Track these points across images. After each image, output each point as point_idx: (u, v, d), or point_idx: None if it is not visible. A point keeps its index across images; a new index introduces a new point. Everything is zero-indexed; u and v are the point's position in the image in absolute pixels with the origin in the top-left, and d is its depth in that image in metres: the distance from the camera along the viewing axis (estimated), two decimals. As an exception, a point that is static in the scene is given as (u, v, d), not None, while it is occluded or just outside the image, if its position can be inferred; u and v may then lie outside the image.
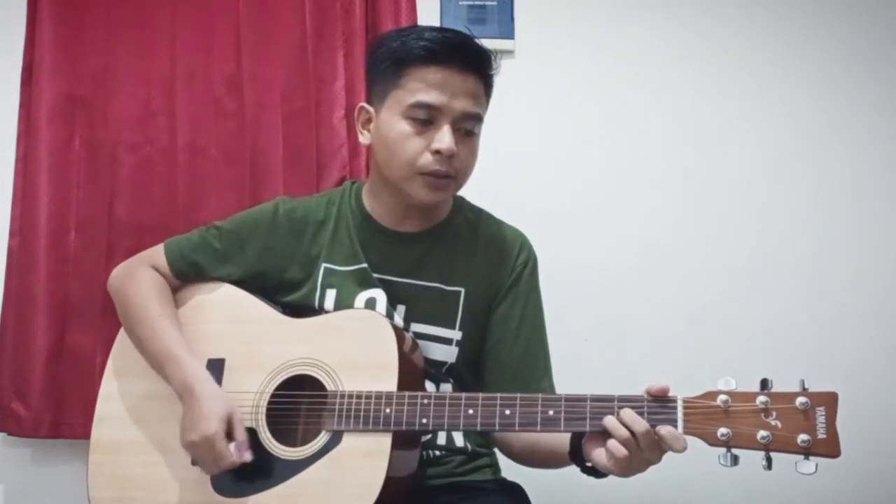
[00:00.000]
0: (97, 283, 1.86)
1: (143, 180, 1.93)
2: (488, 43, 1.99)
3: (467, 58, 1.38)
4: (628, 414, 1.17)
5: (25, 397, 1.88)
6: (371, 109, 1.45)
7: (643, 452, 1.17)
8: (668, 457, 1.22)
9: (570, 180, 2.05)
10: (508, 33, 2.05)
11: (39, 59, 1.93)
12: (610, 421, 1.18)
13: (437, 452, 1.45)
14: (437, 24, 2.02)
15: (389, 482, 1.24)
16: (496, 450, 1.55)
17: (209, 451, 1.28)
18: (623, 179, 2.05)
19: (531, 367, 1.49)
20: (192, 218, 1.87)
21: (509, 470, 1.54)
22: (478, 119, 1.41)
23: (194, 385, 1.33)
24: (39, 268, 1.90)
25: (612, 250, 2.03)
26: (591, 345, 1.98)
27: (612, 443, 1.18)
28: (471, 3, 2.05)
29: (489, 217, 1.56)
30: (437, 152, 1.36)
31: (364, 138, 1.47)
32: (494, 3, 2.05)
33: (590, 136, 2.06)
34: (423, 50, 1.37)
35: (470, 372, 1.50)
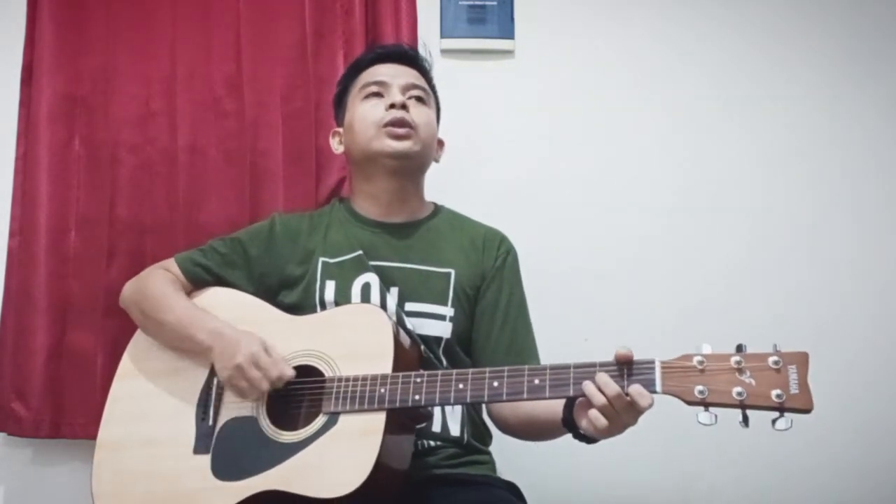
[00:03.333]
0: (97, 283, 1.86)
1: (143, 180, 1.93)
2: (488, 43, 2.04)
3: (404, 57, 1.68)
4: (602, 378, 1.23)
5: (25, 397, 1.87)
6: (340, 129, 1.69)
7: (619, 416, 1.22)
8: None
9: (571, 180, 2.04)
10: (508, 33, 2.06)
11: (39, 59, 1.93)
12: (588, 386, 1.23)
13: (433, 443, 1.48)
14: (437, 23, 2.04)
15: (382, 461, 1.26)
16: (492, 447, 1.57)
17: (255, 368, 1.36)
18: (624, 178, 2.05)
19: (521, 347, 1.57)
20: (192, 218, 1.88)
21: (507, 470, 1.54)
22: (424, 90, 1.64)
23: (222, 328, 1.43)
24: (39, 268, 1.90)
25: (613, 249, 2.03)
26: (591, 345, 1.98)
27: (592, 412, 1.23)
28: (471, 3, 2.05)
29: (468, 219, 1.68)
30: (391, 106, 1.57)
31: (338, 149, 1.69)
32: (494, 3, 2.05)
33: (590, 136, 2.06)
34: (369, 56, 1.69)
35: (464, 350, 1.56)
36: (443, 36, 2.03)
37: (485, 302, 1.58)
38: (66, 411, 1.88)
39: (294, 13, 1.95)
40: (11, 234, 1.93)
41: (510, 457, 1.54)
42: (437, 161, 1.67)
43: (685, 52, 2.08)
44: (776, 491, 1.93)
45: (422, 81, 1.65)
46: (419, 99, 1.62)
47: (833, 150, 2.07)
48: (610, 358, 1.94)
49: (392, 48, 1.72)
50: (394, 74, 1.62)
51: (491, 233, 1.65)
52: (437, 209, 1.68)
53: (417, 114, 1.59)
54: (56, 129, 1.93)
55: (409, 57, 1.68)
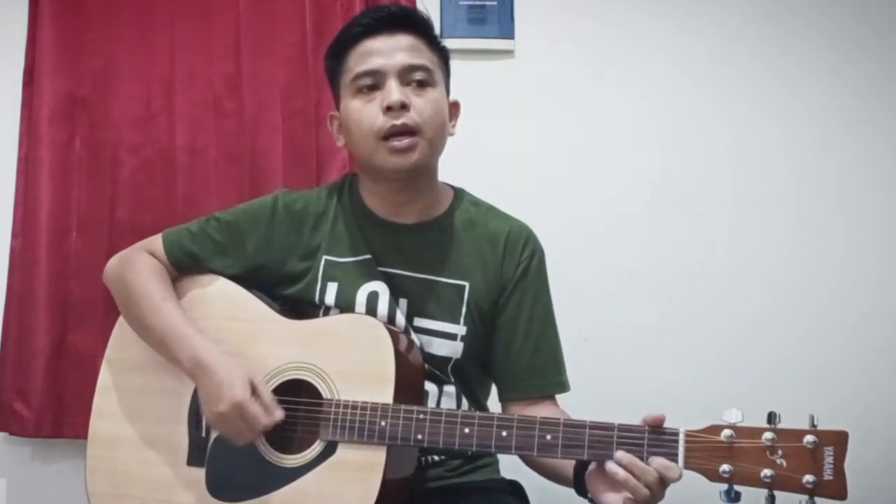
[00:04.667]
0: (98, 283, 1.83)
1: (143, 180, 1.94)
2: (488, 43, 2.04)
3: (392, 22, 1.39)
4: (624, 458, 1.14)
5: (27, 397, 1.89)
6: (338, 113, 1.46)
7: (651, 496, 1.13)
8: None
9: (570, 180, 2.05)
10: (508, 33, 2.05)
11: (40, 61, 1.94)
12: (610, 465, 1.15)
13: (437, 458, 1.43)
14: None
15: (383, 495, 1.23)
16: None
17: (241, 419, 1.26)
18: (623, 179, 2.05)
19: (544, 363, 1.45)
20: (193, 218, 1.87)
21: (507, 469, 1.54)
22: (425, 69, 1.38)
23: (205, 359, 1.30)
24: (41, 268, 1.91)
25: (613, 249, 2.03)
26: (591, 345, 1.98)
27: (613, 498, 1.16)
28: (471, 3, 2.05)
29: (491, 209, 1.52)
30: (388, 109, 1.34)
31: (339, 141, 1.48)
32: (494, 3, 2.05)
33: (590, 136, 2.06)
34: (351, 32, 1.40)
35: (475, 369, 1.47)
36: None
37: (506, 314, 1.44)
38: (67, 411, 1.89)
39: (294, 13, 1.96)
40: (13, 235, 1.94)
41: (514, 456, 1.53)
42: (452, 135, 1.46)
43: (687, 51, 2.08)
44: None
45: (422, 53, 1.39)
46: (422, 83, 1.38)
47: (860, 164, 2.06)
48: (609, 359, 1.98)
49: (380, 13, 1.40)
50: (388, 53, 1.36)
51: (515, 231, 1.46)
52: (456, 201, 1.49)
53: (422, 106, 1.36)
54: (57, 130, 1.94)
55: (404, 21, 1.40)
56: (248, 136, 1.93)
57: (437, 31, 1.46)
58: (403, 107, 1.34)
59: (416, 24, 1.41)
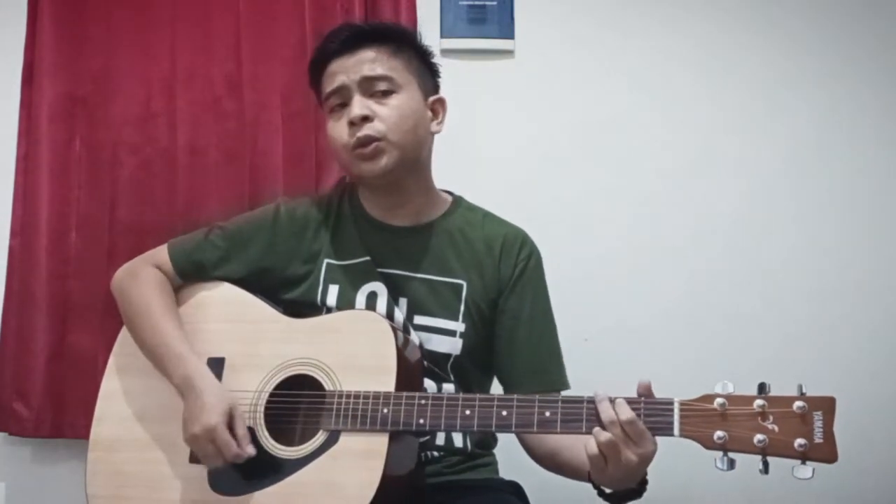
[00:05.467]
0: (98, 283, 1.86)
1: (143, 180, 1.94)
2: (488, 43, 2.04)
3: (354, 39, 1.47)
4: (620, 403, 1.18)
5: (27, 397, 1.89)
6: None
7: (630, 443, 1.17)
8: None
9: (570, 180, 2.05)
10: (508, 33, 2.06)
11: (40, 60, 1.94)
12: (602, 404, 1.20)
13: (436, 453, 1.45)
14: (437, 23, 2.03)
15: (386, 482, 1.24)
16: (496, 447, 1.56)
17: (211, 444, 1.29)
18: (623, 179, 2.05)
19: (548, 362, 1.49)
20: (193, 218, 1.87)
21: (507, 470, 1.54)
22: (385, 79, 1.45)
23: (195, 380, 1.34)
24: (40, 268, 1.91)
25: (613, 250, 2.03)
26: (591, 345, 1.98)
27: (596, 430, 1.18)
28: (471, 3, 2.05)
29: (488, 215, 1.56)
30: (351, 124, 1.43)
31: None
32: (494, 3, 2.05)
33: (589, 136, 2.06)
34: (319, 57, 1.50)
35: (474, 367, 1.49)
36: (443, 36, 2.03)
37: (506, 314, 1.48)
38: (67, 411, 1.89)
39: (294, 13, 1.96)
40: (13, 234, 1.94)
41: (513, 456, 1.53)
42: (438, 132, 1.51)
43: (684, 52, 2.08)
44: (776, 489, 1.93)
45: (382, 63, 1.45)
46: (385, 92, 1.44)
47: (844, 153, 2.06)
48: (609, 359, 1.98)
49: (341, 35, 1.48)
50: (350, 69, 1.44)
51: (511, 235, 1.51)
52: (455, 205, 1.55)
53: (386, 113, 1.42)
54: (57, 129, 1.94)
55: (363, 36, 1.47)
56: (248, 137, 1.93)
57: (408, 34, 1.52)
58: (365, 119, 1.42)
59: (375, 37, 1.47)
